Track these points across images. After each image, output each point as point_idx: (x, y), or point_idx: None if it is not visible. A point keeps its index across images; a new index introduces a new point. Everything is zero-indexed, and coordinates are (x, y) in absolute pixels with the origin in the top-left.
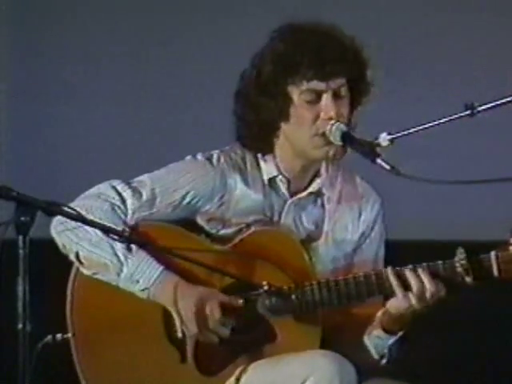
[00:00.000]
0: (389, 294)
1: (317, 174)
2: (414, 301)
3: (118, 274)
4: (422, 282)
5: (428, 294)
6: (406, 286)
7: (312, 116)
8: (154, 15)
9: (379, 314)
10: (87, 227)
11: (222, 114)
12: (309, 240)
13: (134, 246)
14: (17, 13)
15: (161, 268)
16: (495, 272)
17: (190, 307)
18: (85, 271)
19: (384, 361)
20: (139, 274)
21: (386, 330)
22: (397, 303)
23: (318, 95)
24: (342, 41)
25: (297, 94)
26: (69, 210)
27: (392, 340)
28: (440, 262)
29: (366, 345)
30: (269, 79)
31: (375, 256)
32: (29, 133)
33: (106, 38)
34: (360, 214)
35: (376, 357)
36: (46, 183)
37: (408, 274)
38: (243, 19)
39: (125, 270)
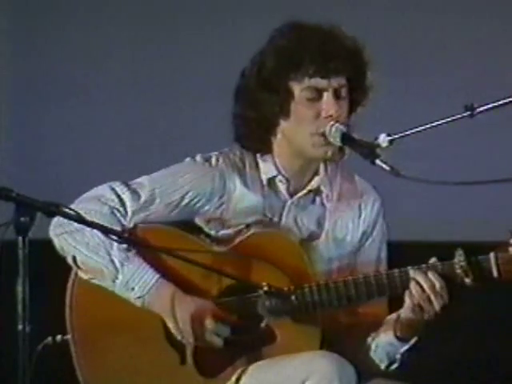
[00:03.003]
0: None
1: (316, 173)
2: (423, 303)
3: (114, 281)
4: (431, 282)
5: (432, 296)
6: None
7: (312, 114)
8: (154, 15)
9: (389, 318)
10: (85, 231)
11: (222, 116)
12: (310, 239)
13: (130, 253)
14: (17, 13)
15: (156, 276)
16: (495, 273)
17: (187, 318)
18: (82, 275)
19: (394, 367)
20: (134, 281)
21: (398, 337)
22: (408, 311)
23: (319, 93)
24: (343, 40)
25: (298, 90)
26: (69, 211)
27: (405, 347)
28: (439, 263)
29: (372, 351)
30: (271, 74)
31: (378, 256)
32: (29, 133)
33: (106, 38)
34: (360, 213)
35: (385, 363)
36: (46, 183)
37: (417, 274)
38: (243, 19)
39: (120, 277)
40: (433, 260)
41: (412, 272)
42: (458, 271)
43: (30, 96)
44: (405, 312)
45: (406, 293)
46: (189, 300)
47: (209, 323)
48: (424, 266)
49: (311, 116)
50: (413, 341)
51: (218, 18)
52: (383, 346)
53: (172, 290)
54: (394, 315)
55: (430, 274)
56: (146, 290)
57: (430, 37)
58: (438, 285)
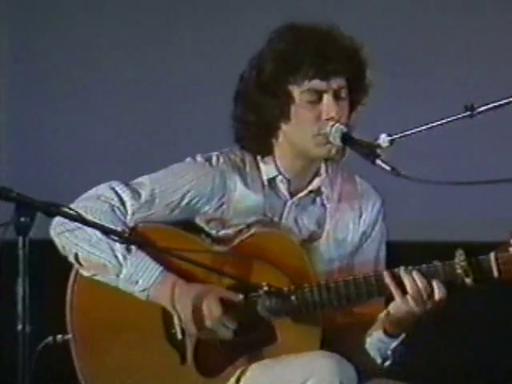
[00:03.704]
0: (389, 296)
1: (317, 174)
2: (411, 303)
3: (117, 275)
4: (416, 283)
5: (424, 296)
6: (403, 288)
7: (313, 116)
8: (153, 16)
9: (381, 315)
10: (86, 228)
11: (222, 115)
12: (310, 240)
13: (133, 247)
14: (17, 13)
15: (160, 268)
16: (495, 273)
17: (187, 306)
18: (84, 273)
19: (387, 363)
20: (138, 274)
21: (387, 333)
22: (396, 306)
23: (319, 95)
24: (341, 40)
25: (298, 93)
26: (69, 210)
27: (395, 343)
28: (439, 263)
29: (367, 348)
30: (270, 78)
31: (376, 256)
32: (29, 133)
33: (106, 38)
34: (361, 213)
35: (379, 360)
36: (46, 183)
37: (403, 275)
38: (243, 20)
39: (124, 270)
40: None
41: (402, 273)
42: (459, 271)
43: (29, 96)
44: (395, 304)
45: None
46: (190, 288)
47: (216, 312)
48: (424, 266)
49: (312, 118)
50: (401, 337)
51: (218, 18)
52: (374, 342)
53: (173, 279)
54: (384, 312)
55: (416, 276)
56: (151, 283)
57: (430, 37)
58: (422, 285)
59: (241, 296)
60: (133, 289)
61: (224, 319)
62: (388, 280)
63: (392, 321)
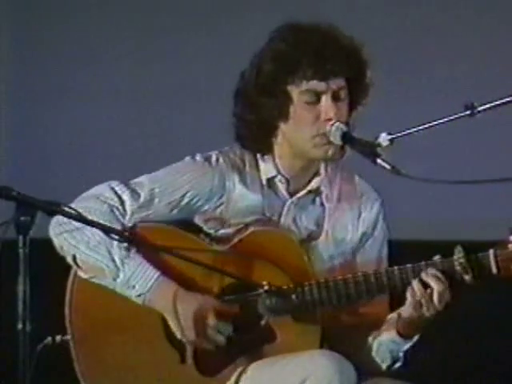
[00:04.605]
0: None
1: (316, 174)
2: (424, 306)
3: (115, 279)
4: (424, 289)
5: (436, 296)
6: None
7: (312, 117)
8: (154, 15)
9: (390, 316)
10: (85, 230)
11: (222, 114)
12: (309, 239)
13: (131, 251)
14: (17, 13)
15: (157, 274)
16: (494, 270)
17: (189, 315)
18: (82, 274)
19: (397, 365)
20: (135, 279)
21: (401, 335)
22: (408, 311)
23: (318, 96)
24: (341, 41)
25: (296, 94)
26: (69, 210)
27: (408, 345)
28: (438, 260)
29: (374, 351)
30: (269, 78)
31: (378, 255)
32: (29, 133)
33: (106, 38)
34: (360, 213)
35: (389, 362)
36: (46, 183)
37: (429, 278)
38: (243, 20)
39: (121, 275)
40: (436, 257)
41: (424, 275)
42: (458, 268)
43: (30, 96)
44: (406, 309)
45: (408, 289)
46: (191, 297)
47: (211, 320)
48: (423, 263)
49: (310, 119)
50: (415, 338)
51: (219, 17)
52: (386, 344)
53: (174, 287)
54: (394, 314)
55: (440, 275)
56: (147, 288)
57: (430, 36)
58: (443, 286)
59: (236, 308)
60: (129, 293)
61: (219, 326)
62: (417, 287)
63: (405, 323)
